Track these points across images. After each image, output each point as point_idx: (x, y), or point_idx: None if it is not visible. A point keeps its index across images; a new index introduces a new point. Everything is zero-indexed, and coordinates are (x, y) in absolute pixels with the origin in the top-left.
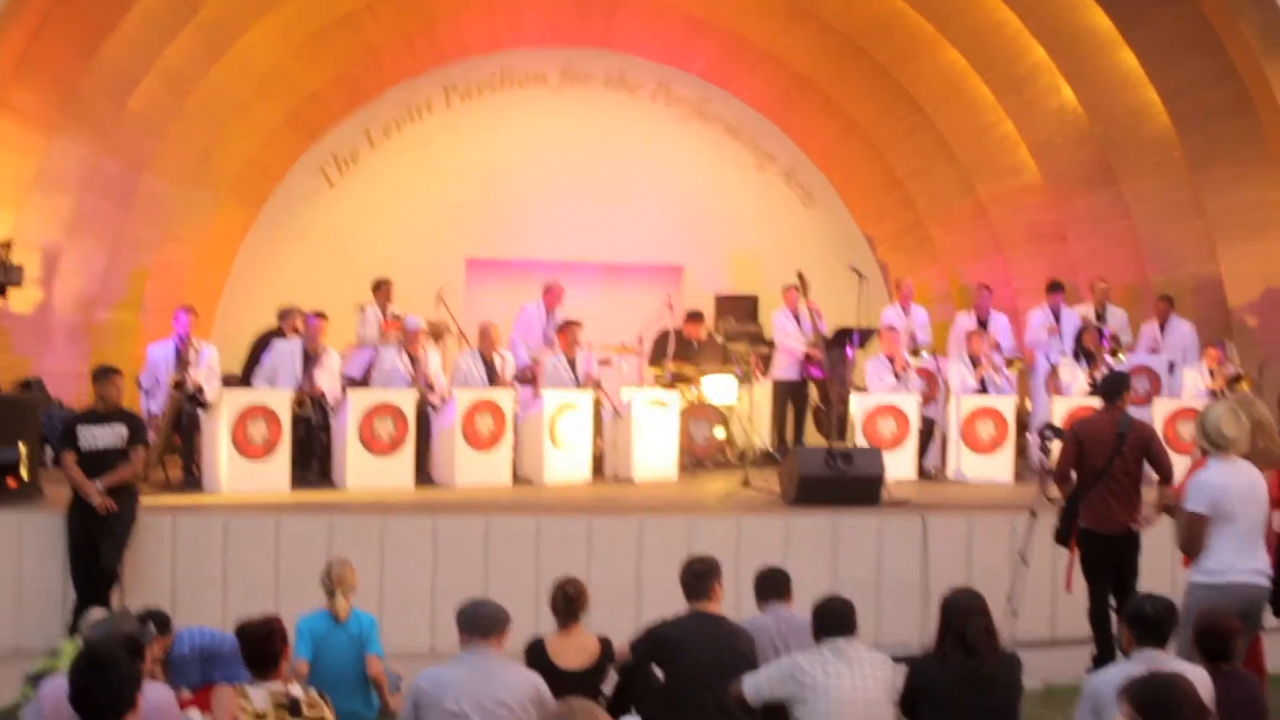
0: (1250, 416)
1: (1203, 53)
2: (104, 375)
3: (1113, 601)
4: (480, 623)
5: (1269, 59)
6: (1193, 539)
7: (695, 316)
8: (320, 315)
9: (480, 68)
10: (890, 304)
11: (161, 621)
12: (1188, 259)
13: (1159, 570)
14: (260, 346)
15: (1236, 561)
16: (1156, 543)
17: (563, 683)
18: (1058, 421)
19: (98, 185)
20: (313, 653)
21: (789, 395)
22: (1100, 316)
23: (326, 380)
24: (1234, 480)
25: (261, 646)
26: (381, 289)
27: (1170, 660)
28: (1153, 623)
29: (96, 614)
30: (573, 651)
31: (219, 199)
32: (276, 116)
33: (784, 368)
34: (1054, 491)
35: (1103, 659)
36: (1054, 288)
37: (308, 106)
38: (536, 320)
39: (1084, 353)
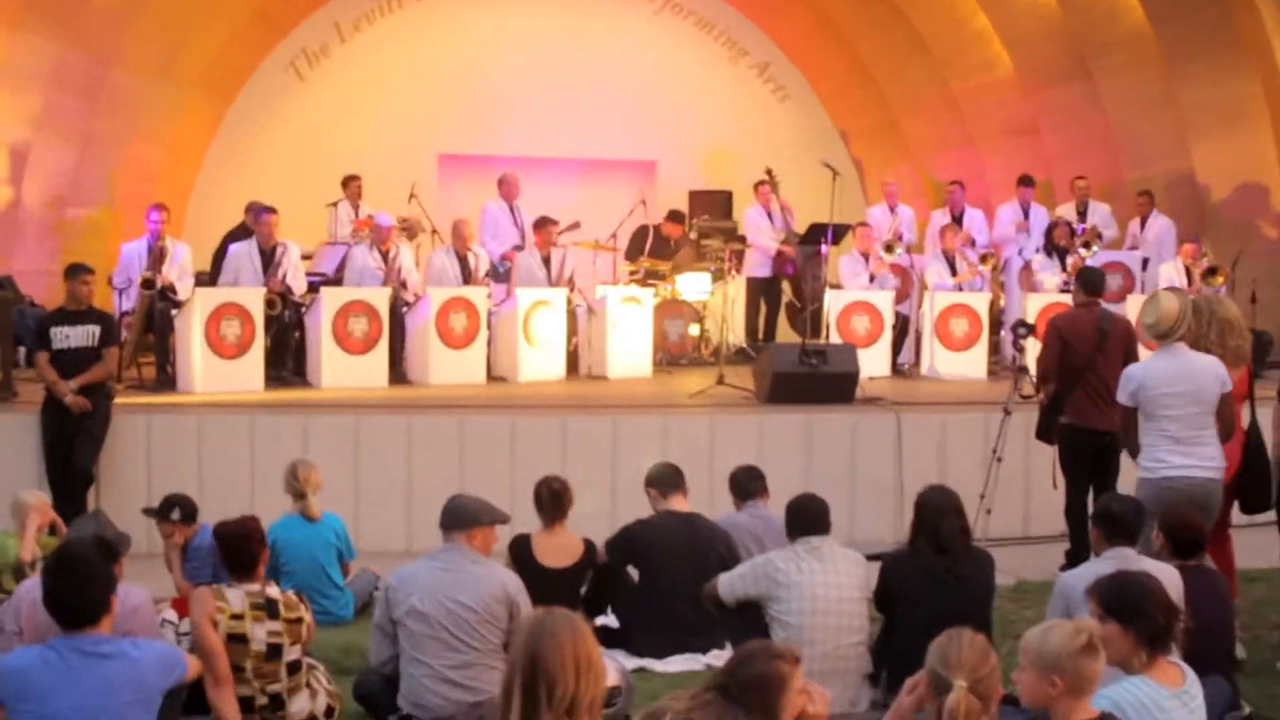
0: (1219, 314)
1: None
2: (75, 273)
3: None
4: (451, 518)
5: None
6: (1124, 432)
7: (675, 215)
8: (270, 209)
9: None
10: (876, 204)
11: (187, 509)
12: (1161, 155)
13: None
14: (226, 247)
15: (1169, 457)
16: None
17: (546, 580)
18: (1031, 318)
19: (64, 81)
20: (286, 556)
21: (762, 292)
22: (1082, 213)
23: (289, 275)
24: (1163, 370)
25: (239, 547)
26: (351, 185)
27: (1139, 559)
28: (1120, 521)
29: (29, 498)
30: (557, 550)
31: (188, 95)
32: (244, 10)
33: (756, 264)
34: (1028, 389)
35: (1076, 556)
36: (1024, 181)
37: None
38: (500, 215)
39: (1055, 248)
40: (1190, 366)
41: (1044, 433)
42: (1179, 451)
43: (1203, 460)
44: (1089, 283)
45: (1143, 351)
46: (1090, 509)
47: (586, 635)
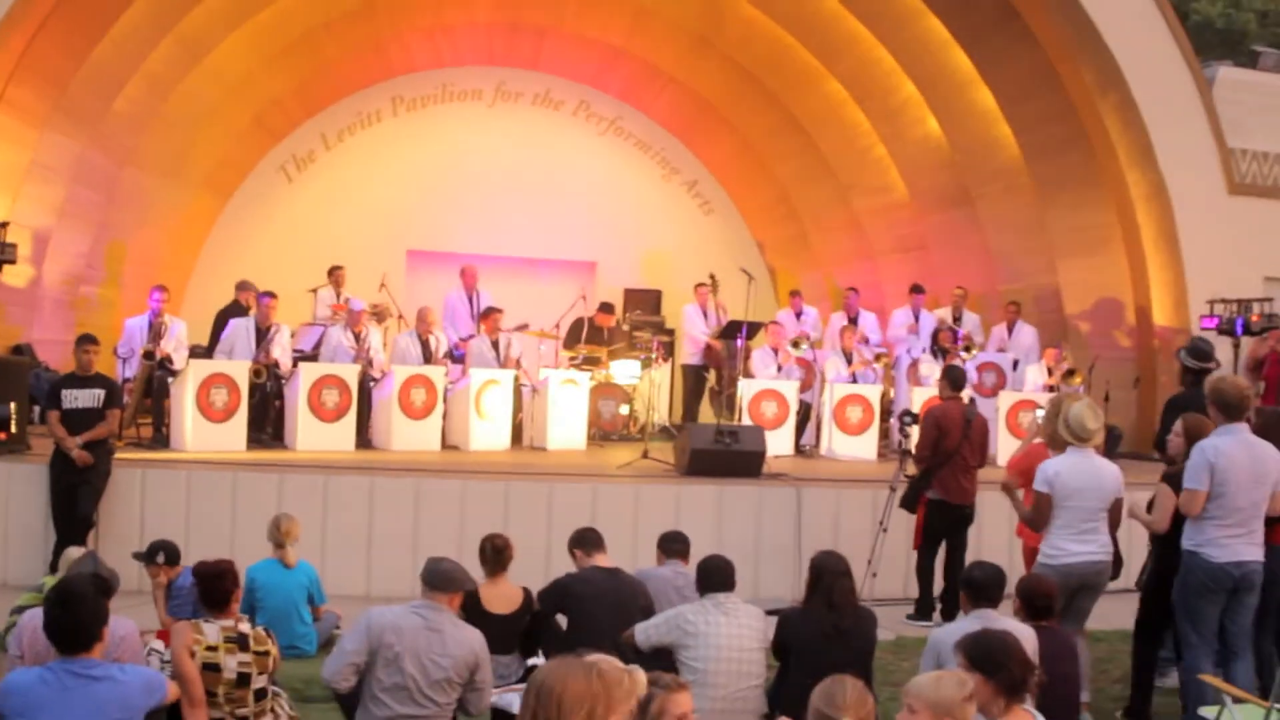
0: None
1: (1048, 93)
2: (82, 344)
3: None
4: (439, 580)
5: (1103, 100)
6: (1037, 515)
7: (606, 307)
8: (271, 294)
9: (424, 82)
10: (784, 309)
11: (171, 553)
12: (1031, 271)
13: (998, 542)
14: (221, 321)
15: (1070, 546)
16: (996, 517)
17: (490, 626)
18: (915, 409)
19: (85, 176)
20: (262, 595)
21: (694, 378)
22: (957, 319)
23: (278, 352)
24: (1076, 469)
25: (213, 585)
26: (335, 274)
27: (1001, 619)
28: (983, 586)
29: (74, 552)
30: (500, 599)
31: (192, 191)
32: (244, 119)
33: (690, 354)
34: (911, 469)
35: (923, 608)
36: (915, 289)
37: (272, 111)
38: (459, 304)
39: (939, 349)
40: (1097, 468)
41: (909, 503)
42: (1077, 540)
43: (1096, 547)
44: (954, 380)
45: (1013, 441)
46: (939, 569)
47: (601, 681)
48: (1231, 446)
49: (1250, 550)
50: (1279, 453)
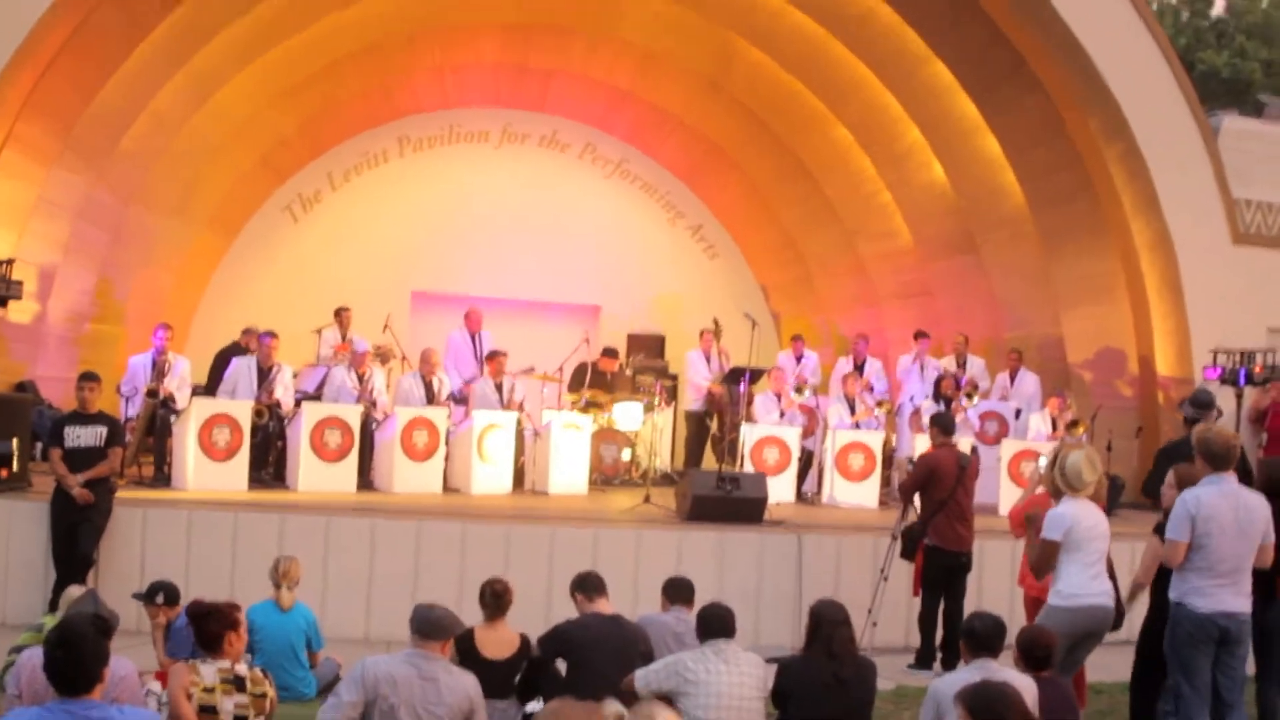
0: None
1: (1053, 141)
2: (82, 381)
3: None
4: (430, 628)
5: (1108, 147)
6: (1045, 561)
7: (610, 352)
8: (272, 334)
9: (430, 124)
10: (783, 351)
11: (171, 594)
12: (1035, 319)
13: (999, 590)
14: (222, 360)
15: (1088, 585)
16: (997, 566)
17: (486, 670)
18: (918, 456)
19: (91, 213)
20: (260, 637)
21: (696, 424)
22: (961, 365)
23: (280, 392)
24: (1084, 515)
25: (203, 626)
26: (342, 315)
27: (1001, 670)
28: (984, 637)
29: (74, 591)
30: (496, 643)
31: (197, 229)
32: (250, 159)
33: (692, 400)
34: (913, 515)
35: (924, 657)
36: (920, 335)
37: (278, 151)
38: (463, 345)
39: (942, 397)
40: (1097, 517)
41: (907, 552)
42: (1094, 582)
43: (1106, 589)
44: (944, 426)
45: (1015, 490)
46: (940, 618)
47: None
48: (1215, 497)
49: (1237, 601)
50: (1267, 504)
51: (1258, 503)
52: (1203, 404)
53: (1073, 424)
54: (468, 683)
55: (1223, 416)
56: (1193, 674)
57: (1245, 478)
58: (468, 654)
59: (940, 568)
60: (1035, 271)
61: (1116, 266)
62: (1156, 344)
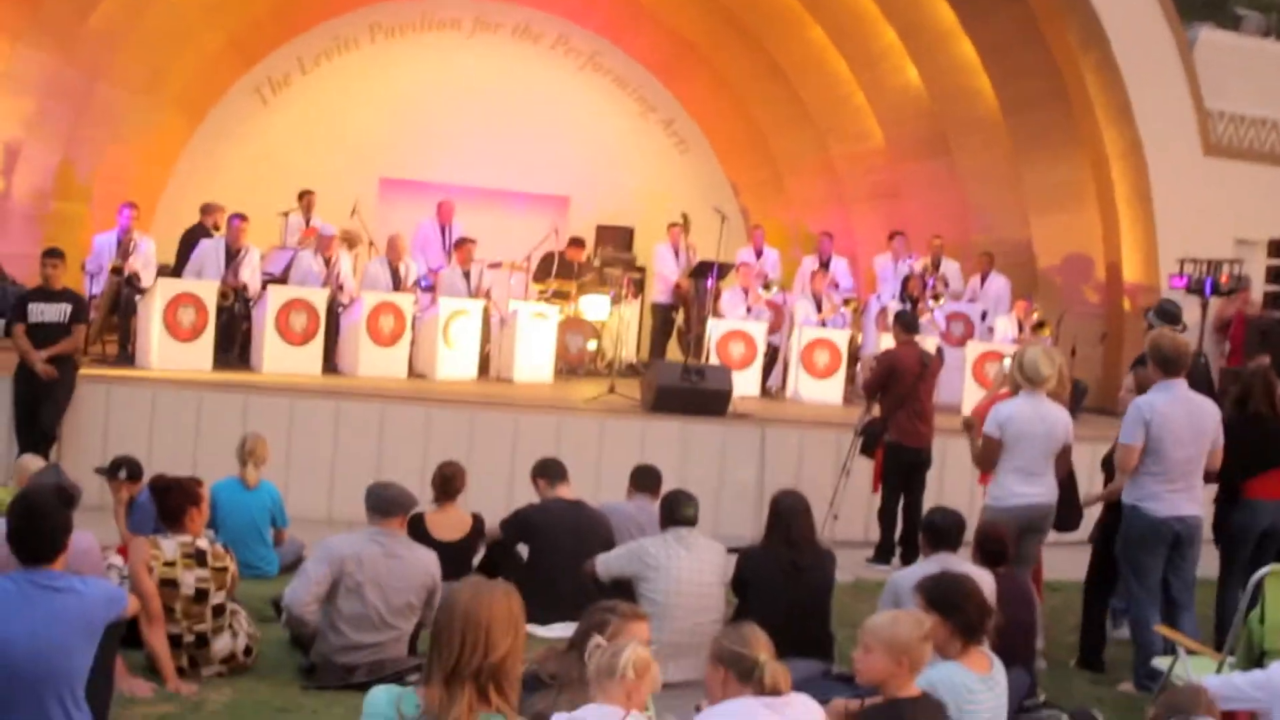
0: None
1: (1029, 47)
2: (46, 258)
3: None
4: (388, 505)
5: (1084, 55)
6: (985, 457)
7: (577, 242)
8: (242, 216)
9: (403, 10)
10: (745, 246)
11: (134, 469)
12: (1005, 224)
13: (960, 488)
14: (187, 241)
15: (1017, 487)
16: (959, 465)
17: (440, 551)
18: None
19: (56, 91)
20: (223, 513)
21: (662, 317)
22: (936, 267)
23: (247, 274)
24: (1027, 413)
25: (166, 499)
26: (304, 199)
27: (960, 563)
28: (943, 531)
29: (30, 462)
30: (448, 525)
31: (165, 110)
32: (219, 40)
33: (659, 293)
34: (876, 411)
35: (883, 551)
36: (895, 235)
37: (248, 33)
38: (432, 234)
39: (909, 297)
40: (1046, 414)
41: (867, 448)
42: (1025, 482)
43: (1044, 488)
44: (907, 324)
45: (978, 390)
46: (899, 513)
47: (517, 603)
48: (1167, 403)
49: (1190, 505)
50: (1217, 409)
51: (1208, 408)
52: (1169, 315)
53: (1038, 325)
54: (428, 558)
55: (1187, 330)
56: (1144, 575)
57: (1208, 387)
58: (420, 537)
59: (900, 464)
60: (1006, 176)
61: (1087, 174)
62: (1124, 252)
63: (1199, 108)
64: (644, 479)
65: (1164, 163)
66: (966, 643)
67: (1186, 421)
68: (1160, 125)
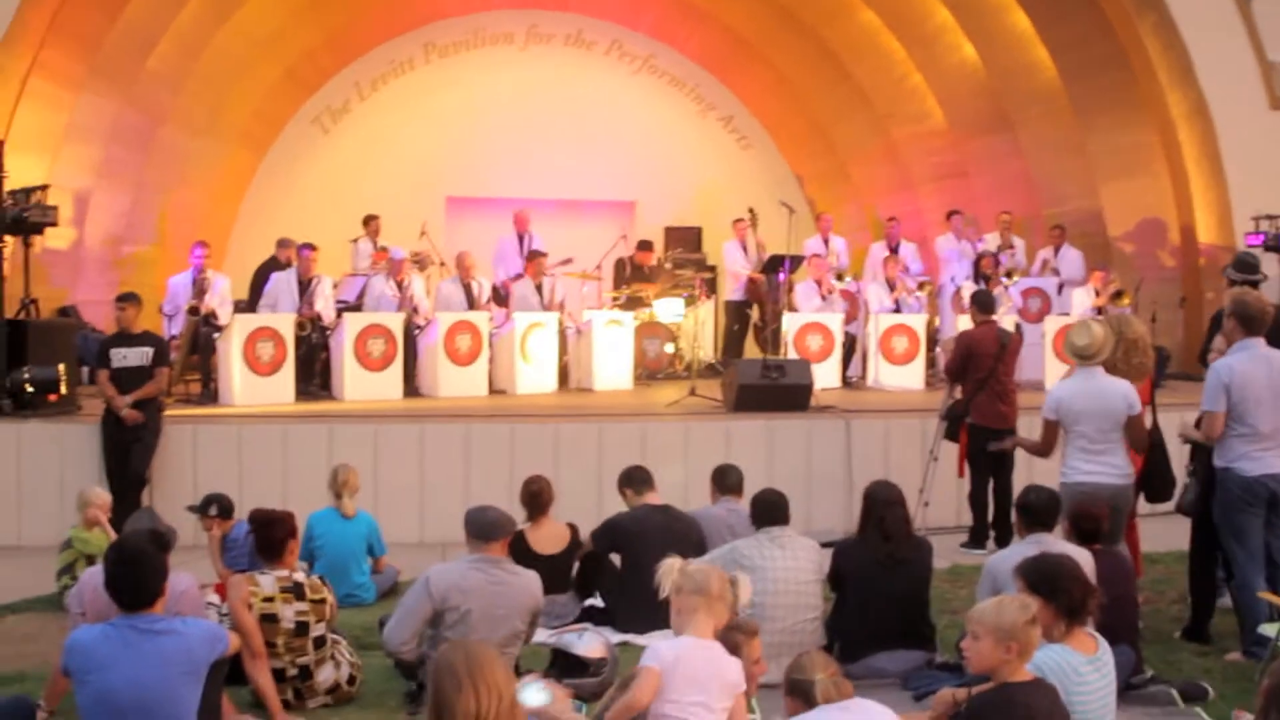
0: (1126, 334)
1: (1084, 14)
2: (120, 302)
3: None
4: (488, 529)
5: (1141, 18)
6: (1043, 441)
7: (645, 245)
8: (311, 247)
9: (455, 28)
10: (812, 236)
11: (224, 506)
12: (1073, 194)
13: (1051, 467)
14: (261, 276)
15: (1081, 465)
16: None
17: (541, 566)
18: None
19: (121, 136)
20: (321, 544)
21: (736, 314)
22: (1009, 245)
23: (321, 304)
24: (1079, 390)
25: (267, 534)
26: (370, 224)
27: (1057, 542)
28: (1038, 510)
29: (91, 494)
30: (548, 539)
31: (228, 147)
32: (276, 73)
33: (732, 290)
34: (959, 394)
35: (977, 535)
36: (953, 214)
37: (304, 64)
38: (510, 245)
39: (983, 276)
40: (1102, 388)
41: (950, 432)
42: (1088, 459)
43: (1110, 467)
44: (983, 304)
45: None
46: (990, 496)
47: (487, 661)
48: (1247, 363)
49: None
50: None
51: None
52: (1248, 266)
53: (1117, 295)
54: (532, 581)
55: (1268, 280)
56: (1245, 538)
57: None
58: (523, 554)
59: (984, 446)
60: (1071, 146)
61: (1154, 138)
62: (1197, 213)
63: (1262, 61)
64: (726, 479)
65: (1231, 120)
66: (1071, 624)
67: (1267, 380)
68: (1224, 82)
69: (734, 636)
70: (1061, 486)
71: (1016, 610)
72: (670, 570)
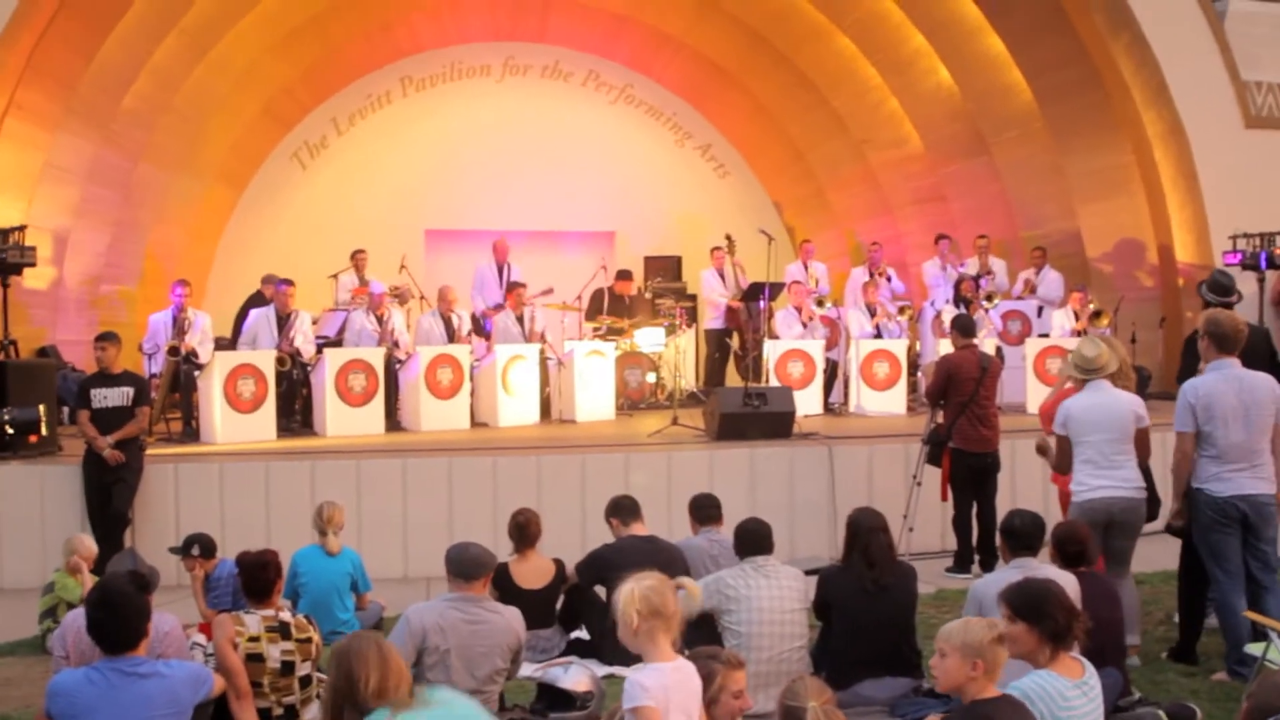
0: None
1: (1058, 36)
2: (99, 341)
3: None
4: (468, 568)
5: (1114, 39)
6: (1059, 458)
7: (624, 275)
8: (289, 282)
9: (432, 61)
10: (793, 262)
11: (206, 546)
12: (1051, 216)
13: (1033, 489)
14: (245, 312)
15: (1090, 480)
16: (1030, 465)
17: (524, 601)
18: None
19: (99, 175)
20: (305, 581)
21: (716, 342)
22: (988, 270)
23: (300, 339)
24: (1088, 404)
25: (256, 575)
26: (356, 258)
27: (1042, 567)
28: (1022, 535)
29: (77, 542)
30: (532, 573)
31: (207, 184)
32: (253, 109)
33: (711, 319)
34: (940, 418)
35: (962, 560)
36: (941, 238)
37: (281, 99)
38: (489, 275)
39: (963, 300)
40: (1111, 401)
41: (933, 456)
42: (1097, 474)
43: (1120, 480)
44: (964, 328)
45: (1043, 388)
46: (974, 520)
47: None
48: (1217, 383)
49: (1256, 484)
50: (1274, 383)
51: (1264, 383)
52: (1222, 287)
53: (1095, 315)
54: (512, 618)
55: (1242, 300)
56: (1222, 558)
57: (1270, 360)
58: (506, 588)
59: (966, 470)
60: (1048, 168)
61: (1129, 158)
62: (1175, 233)
63: (1235, 80)
64: (704, 510)
65: (1206, 140)
66: (1056, 649)
67: (1237, 400)
68: (1199, 102)
69: (711, 666)
70: (1073, 507)
71: (982, 629)
72: (631, 600)
